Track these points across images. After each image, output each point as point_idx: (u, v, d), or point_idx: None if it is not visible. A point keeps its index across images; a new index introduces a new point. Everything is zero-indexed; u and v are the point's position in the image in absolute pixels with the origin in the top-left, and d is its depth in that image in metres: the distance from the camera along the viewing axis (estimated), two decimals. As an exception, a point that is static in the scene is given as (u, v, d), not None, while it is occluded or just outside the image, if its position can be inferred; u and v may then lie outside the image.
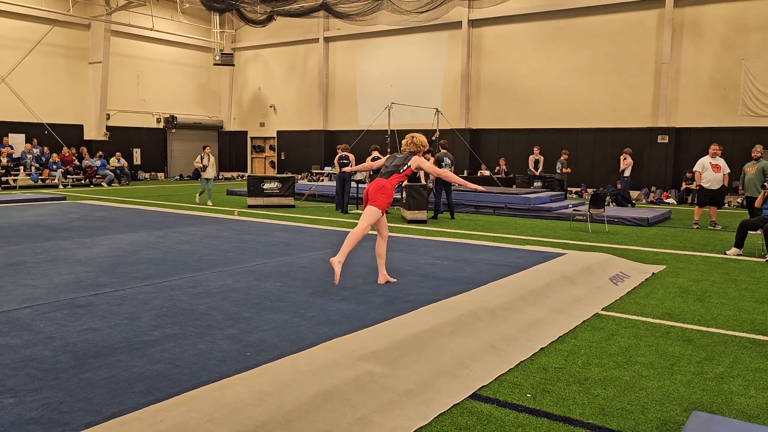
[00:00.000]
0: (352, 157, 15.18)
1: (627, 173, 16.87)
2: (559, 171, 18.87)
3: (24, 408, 3.25)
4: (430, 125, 19.92)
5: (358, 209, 15.26)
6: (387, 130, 17.45)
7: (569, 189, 19.68)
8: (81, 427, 3.01)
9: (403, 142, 6.51)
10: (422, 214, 12.98)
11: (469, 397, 3.84)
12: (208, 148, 16.67)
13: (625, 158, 16.87)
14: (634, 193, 19.47)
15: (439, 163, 13.74)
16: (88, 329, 4.61)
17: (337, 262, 5.81)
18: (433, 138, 16.61)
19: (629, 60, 20.41)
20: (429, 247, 8.79)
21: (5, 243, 8.63)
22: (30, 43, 23.32)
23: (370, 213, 6.04)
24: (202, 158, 16.48)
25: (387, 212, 11.02)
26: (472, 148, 22.29)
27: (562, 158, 19.00)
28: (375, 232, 6.69)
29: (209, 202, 16.39)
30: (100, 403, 3.34)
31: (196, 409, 3.13)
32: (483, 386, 4.01)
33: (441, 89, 24.31)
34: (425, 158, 14.54)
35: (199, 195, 16.82)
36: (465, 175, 21.53)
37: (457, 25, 23.49)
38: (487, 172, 20.77)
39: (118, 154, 24.75)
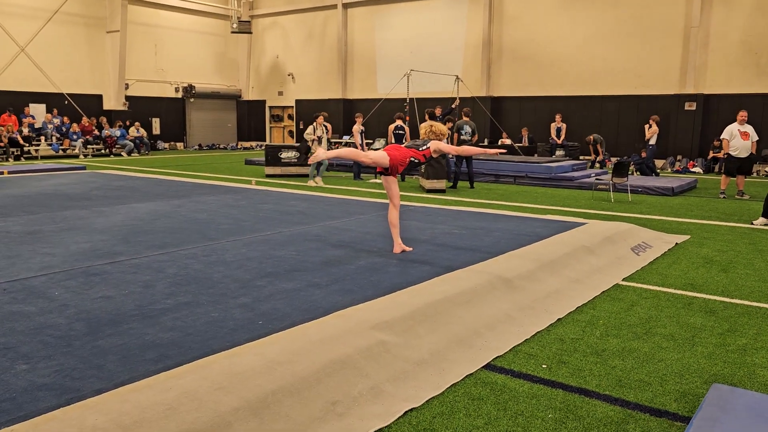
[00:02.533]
0: (329, 126, 15.12)
1: (653, 141, 16.50)
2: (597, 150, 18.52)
3: (36, 374, 3.26)
4: (451, 93, 19.62)
5: (376, 179, 15.15)
6: (406, 98, 17.22)
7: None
8: (91, 394, 3.01)
9: (422, 131, 6.43)
10: (441, 184, 12.85)
11: (483, 367, 3.78)
12: (321, 117, 14.32)
13: (650, 126, 16.49)
14: (659, 162, 19.07)
15: (458, 131, 13.53)
16: (102, 297, 4.61)
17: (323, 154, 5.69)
18: (453, 106, 16.35)
19: (656, 24, 19.81)
20: (447, 217, 8.69)
21: (25, 212, 8.69)
22: (48, 12, 23.28)
23: (377, 153, 5.97)
24: (315, 129, 14.08)
25: (402, 180, 11.04)
26: (494, 116, 21.96)
27: (590, 137, 18.64)
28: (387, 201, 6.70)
29: (318, 180, 13.94)
30: (112, 370, 3.34)
31: (206, 377, 3.11)
32: (498, 356, 3.94)
33: (462, 56, 23.89)
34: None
35: (313, 176, 14.10)
36: (485, 144, 21.25)
37: (478, -11, 22.97)
38: (508, 141, 20.48)
39: (137, 123, 24.83)
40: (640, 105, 20.16)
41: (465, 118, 13.79)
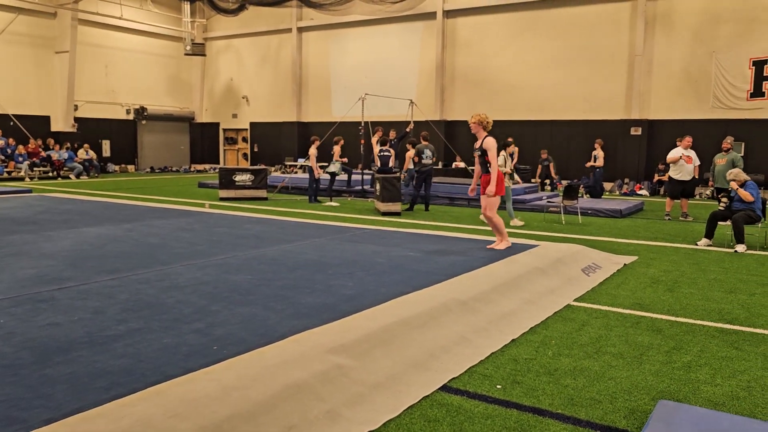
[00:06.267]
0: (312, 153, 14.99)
1: (600, 164, 17.02)
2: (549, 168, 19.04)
3: (-20, 406, 3.15)
4: (405, 116, 19.85)
5: (331, 201, 15.16)
6: (361, 122, 17.34)
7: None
8: (40, 424, 2.91)
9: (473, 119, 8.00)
10: (396, 206, 12.93)
11: (439, 389, 3.82)
12: (513, 144, 11.70)
13: (595, 149, 17.02)
14: (607, 185, 19.66)
15: (419, 154, 13.66)
16: (50, 324, 4.48)
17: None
18: (408, 129, 16.55)
19: (603, 52, 20.55)
20: (402, 239, 8.75)
21: (-33, 236, 8.39)
22: (-6, 32, 22.74)
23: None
24: (506, 159, 11.74)
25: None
26: (447, 139, 22.28)
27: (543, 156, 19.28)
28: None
29: (518, 220, 11.90)
30: (61, 399, 3.24)
31: (160, 404, 3.06)
32: (453, 378, 3.99)
33: (416, 80, 24.26)
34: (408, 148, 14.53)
35: (510, 214, 12.01)
36: (439, 167, 21.51)
37: (431, 15, 23.42)
38: (461, 164, 20.77)
39: (86, 145, 24.28)
40: (589, 129, 20.79)
41: (424, 142, 13.90)
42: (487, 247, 8.04)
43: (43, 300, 5.13)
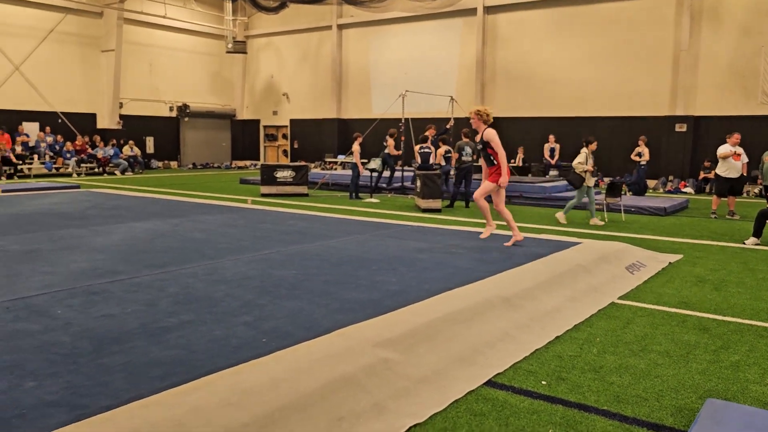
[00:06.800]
0: (355, 149, 15.14)
1: (644, 161, 16.76)
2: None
3: (44, 391, 3.30)
4: (445, 113, 19.82)
5: (371, 198, 15.26)
6: (401, 119, 17.37)
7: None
8: (100, 410, 3.05)
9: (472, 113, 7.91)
10: (437, 203, 12.95)
11: (484, 384, 3.85)
12: (595, 143, 11.31)
13: (639, 145, 16.75)
14: (651, 182, 19.29)
15: (459, 151, 13.65)
16: (105, 315, 4.65)
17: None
18: (448, 126, 16.52)
19: (646, 47, 20.16)
20: (444, 236, 8.78)
21: (21, 231, 8.72)
22: (43, 32, 23.44)
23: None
24: (587, 157, 11.19)
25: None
26: (486, 136, 22.18)
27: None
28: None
29: (597, 220, 11.44)
30: (118, 387, 3.38)
31: (214, 393, 3.17)
32: (498, 374, 4.01)
33: (456, 77, 24.17)
34: (440, 145, 14.53)
35: (566, 211, 11.54)
36: (478, 164, 21.41)
37: (471, 11, 23.30)
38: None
39: (131, 142, 24.89)
40: (632, 126, 20.43)
41: (465, 139, 13.84)
42: (480, 236, 8.50)
43: (96, 292, 5.33)
